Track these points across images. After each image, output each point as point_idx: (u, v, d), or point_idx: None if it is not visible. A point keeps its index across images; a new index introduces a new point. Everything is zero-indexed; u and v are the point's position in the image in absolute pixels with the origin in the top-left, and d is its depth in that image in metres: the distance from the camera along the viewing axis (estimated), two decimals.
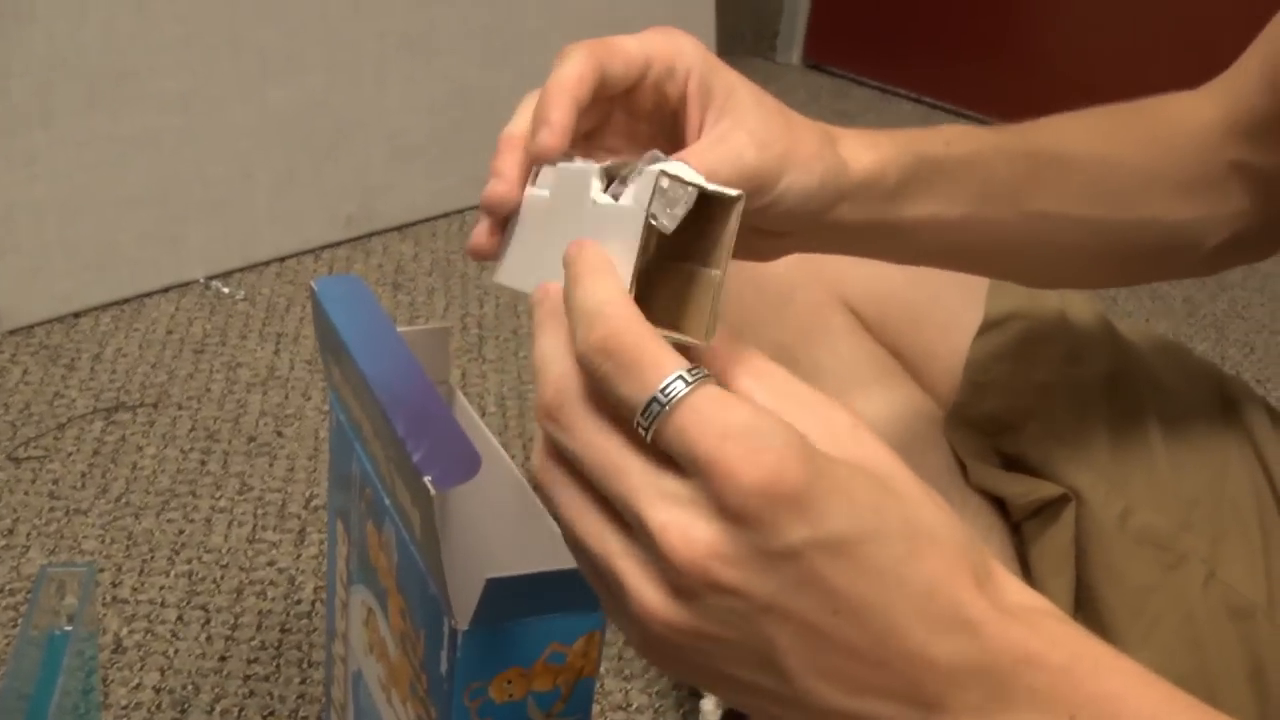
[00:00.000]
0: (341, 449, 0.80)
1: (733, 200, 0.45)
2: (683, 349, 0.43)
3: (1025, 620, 0.44)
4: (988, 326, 0.93)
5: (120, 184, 1.58)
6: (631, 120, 0.60)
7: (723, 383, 0.43)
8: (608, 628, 0.72)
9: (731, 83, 0.58)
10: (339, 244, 1.80)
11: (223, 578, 1.19)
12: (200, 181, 1.65)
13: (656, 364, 0.41)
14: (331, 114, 1.75)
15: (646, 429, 0.41)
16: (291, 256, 1.76)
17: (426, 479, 0.60)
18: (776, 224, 0.59)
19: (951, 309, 0.95)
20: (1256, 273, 2.05)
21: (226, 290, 1.66)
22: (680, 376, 0.41)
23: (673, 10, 2.10)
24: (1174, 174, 0.77)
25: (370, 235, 1.83)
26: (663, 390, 0.41)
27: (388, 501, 0.71)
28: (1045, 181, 0.71)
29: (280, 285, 1.69)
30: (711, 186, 0.44)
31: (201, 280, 1.67)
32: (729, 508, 0.40)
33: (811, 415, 0.44)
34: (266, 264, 1.73)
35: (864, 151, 0.61)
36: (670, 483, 0.41)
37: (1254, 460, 0.89)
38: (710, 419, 0.40)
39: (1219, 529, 0.87)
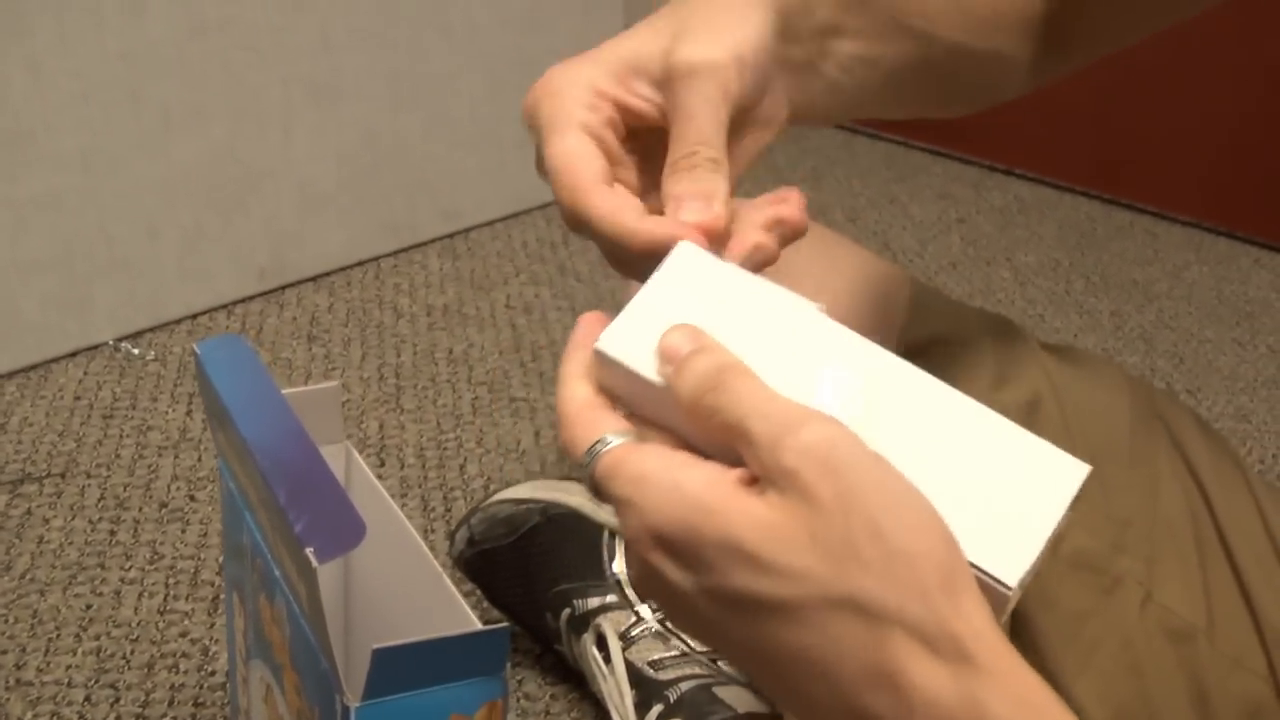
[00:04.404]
0: (233, 518, 0.76)
1: None
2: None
3: (967, 698, 0.44)
4: (910, 354, 0.90)
5: (21, 248, 1.53)
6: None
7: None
8: (510, 695, 0.68)
9: (647, 58, 0.59)
10: (252, 298, 1.76)
11: (133, 652, 1.14)
12: (105, 241, 1.60)
13: (575, 450, 0.51)
14: (238, 165, 1.71)
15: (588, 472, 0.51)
16: (203, 313, 1.72)
17: (308, 550, 0.57)
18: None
19: (873, 334, 0.92)
20: (1182, 282, 2.05)
21: (136, 352, 1.61)
22: (585, 452, 0.51)
23: (582, 45, 2.08)
24: (1009, 8, 0.75)
25: (284, 287, 1.79)
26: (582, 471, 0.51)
27: (277, 573, 0.67)
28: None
29: (192, 344, 1.64)
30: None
31: (110, 343, 1.62)
32: (629, 545, 0.50)
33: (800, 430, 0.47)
34: (178, 322, 1.69)
35: None
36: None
37: (1186, 476, 0.87)
38: (603, 487, 0.50)
39: (1154, 549, 0.84)
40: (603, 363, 0.52)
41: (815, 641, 0.45)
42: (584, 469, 0.51)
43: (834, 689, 0.45)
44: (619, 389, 0.53)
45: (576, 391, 0.53)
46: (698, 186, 0.55)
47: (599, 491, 0.51)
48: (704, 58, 0.57)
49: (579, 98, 0.58)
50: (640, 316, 0.52)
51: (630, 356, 0.51)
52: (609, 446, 0.50)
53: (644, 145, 0.60)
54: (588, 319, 0.55)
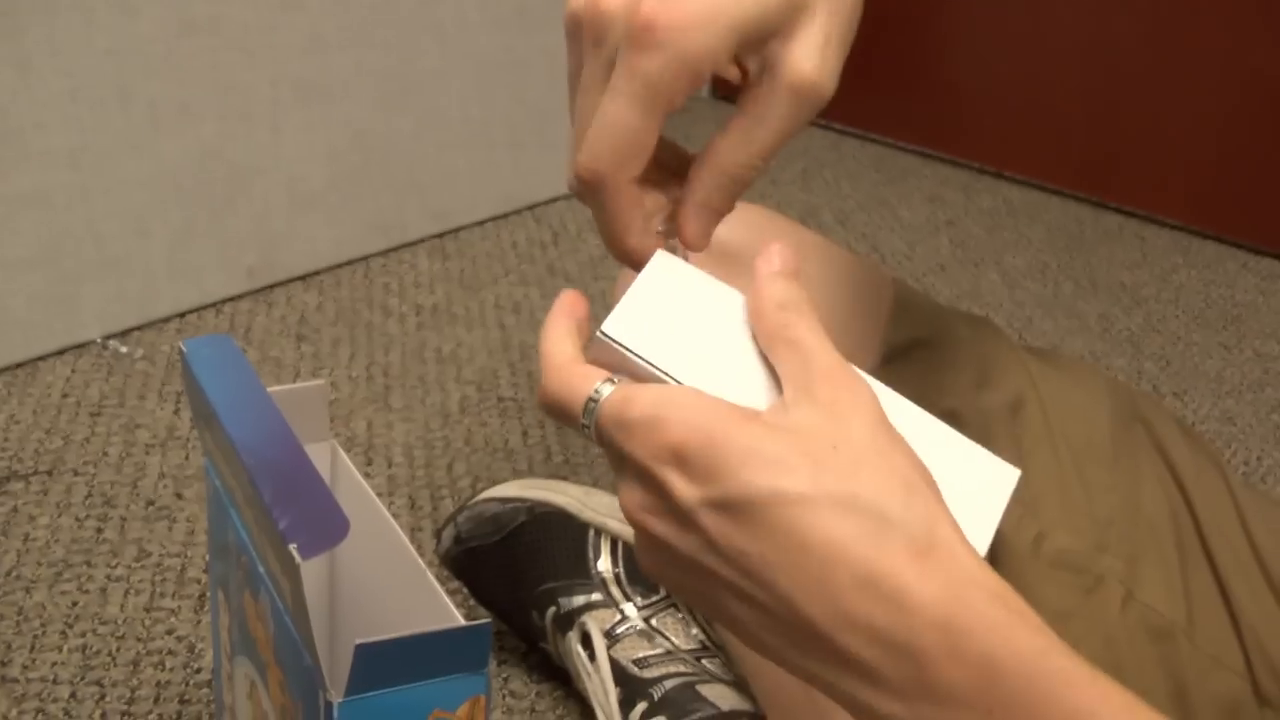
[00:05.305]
0: (218, 516, 0.76)
1: None
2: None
3: (956, 599, 0.47)
4: (893, 355, 0.91)
5: (9, 245, 1.53)
6: None
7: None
8: (496, 692, 0.69)
9: None
10: (240, 296, 1.76)
11: (119, 650, 1.14)
12: (93, 239, 1.61)
13: (574, 399, 0.54)
14: (227, 164, 1.71)
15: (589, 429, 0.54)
16: (191, 311, 1.72)
17: (292, 547, 0.57)
18: None
19: (857, 336, 0.93)
20: (1170, 286, 2.06)
21: (124, 350, 1.61)
22: (589, 399, 0.54)
23: None
24: None
25: (272, 286, 1.79)
26: (584, 416, 0.54)
27: (262, 570, 0.68)
28: None
29: (180, 342, 1.64)
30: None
31: (98, 341, 1.62)
32: (639, 474, 0.51)
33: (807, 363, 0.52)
34: (166, 320, 1.69)
35: None
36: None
37: (1167, 477, 0.88)
38: (614, 419, 0.52)
39: (1135, 548, 0.85)
40: (602, 347, 0.56)
41: (817, 540, 0.48)
42: (588, 413, 0.54)
43: (826, 597, 0.48)
44: (615, 369, 0.56)
45: (564, 346, 0.57)
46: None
47: (608, 427, 0.53)
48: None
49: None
50: (636, 308, 0.56)
51: (633, 342, 0.55)
52: (614, 387, 0.54)
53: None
54: (569, 295, 0.59)
